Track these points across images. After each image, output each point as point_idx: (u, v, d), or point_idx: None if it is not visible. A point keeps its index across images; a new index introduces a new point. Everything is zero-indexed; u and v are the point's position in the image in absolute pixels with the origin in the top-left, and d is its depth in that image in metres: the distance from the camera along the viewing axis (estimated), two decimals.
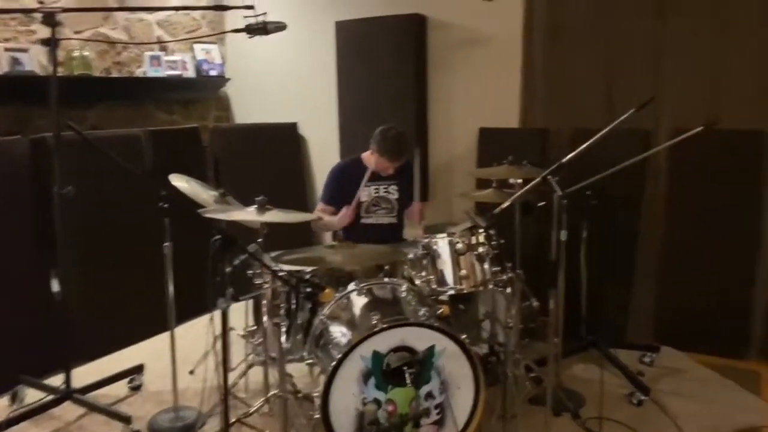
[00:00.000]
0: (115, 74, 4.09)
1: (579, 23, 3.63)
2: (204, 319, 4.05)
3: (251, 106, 4.95)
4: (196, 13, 4.68)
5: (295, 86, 4.70)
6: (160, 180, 2.63)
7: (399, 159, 3.28)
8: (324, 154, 4.64)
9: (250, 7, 2.56)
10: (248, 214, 2.46)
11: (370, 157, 3.36)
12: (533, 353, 3.09)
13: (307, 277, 2.57)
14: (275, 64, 4.68)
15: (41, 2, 2.98)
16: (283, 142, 4.66)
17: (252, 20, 2.59)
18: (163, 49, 4.45)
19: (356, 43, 4.20)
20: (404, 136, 3.29)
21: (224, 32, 2.61)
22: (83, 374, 3.06)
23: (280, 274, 2.41)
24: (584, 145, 2.18)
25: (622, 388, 2.98)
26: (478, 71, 3.99)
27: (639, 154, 3.37)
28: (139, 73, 4.20)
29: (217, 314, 2.10)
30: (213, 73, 4.68)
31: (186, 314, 3.47)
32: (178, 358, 2.77)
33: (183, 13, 4.57)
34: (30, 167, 3.26)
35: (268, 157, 4.57)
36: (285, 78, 4.70)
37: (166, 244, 2.57)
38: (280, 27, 2.65)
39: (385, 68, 4.11)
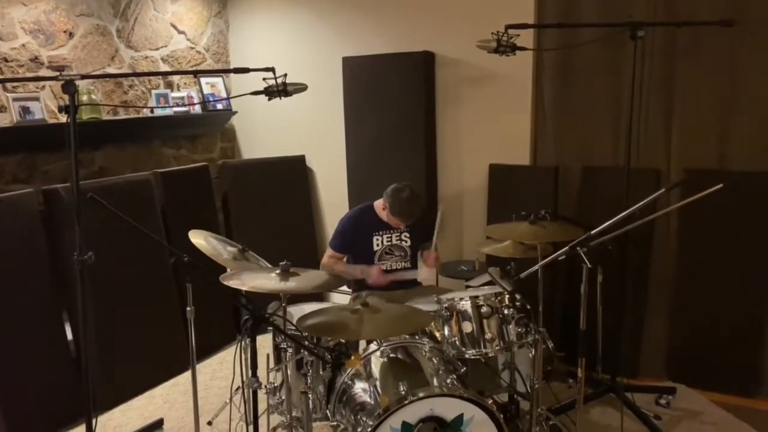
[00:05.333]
0: (122, 114, 4.06)
1: (589, 62, 3.64)
2: (211, 361, 4.07)
3: (256, 137, 4.94)
4: (200, 47, 4.66)
5: (302, 119, 4.68)
6: (179, 244, 2.61)
7: (410, 220, 3.27)
8: (332, 187, 4.65)
9: (270, 69, 2.53)
10: (271, 281, 2.46)
11: (381, 210, 3.36)
12: (549, 398, 3.11)
13: (333, 344, 2.56)
14: None
15: (60, 70, 2.95)
16: (291, 175, 4.65)
17: (272, 82, 2.56)
18: (169, 85, 4.42)
19: (363, 78, 4.18)
20: (417, 198, 3.26)
21: (242, 95, 2.58)
22: (99, 426, 3.04)
23: (306, 343, 2.40)
24: (616, 218, 2.19)
25: None
26: (488, 108, 3.99)
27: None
28: (146, 111, 4.17)
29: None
30: (219, 106, 4.66)
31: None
32: (190, 403, 2.76)
33: (187, 46, 4.55)
34: (42, 220, 3.24)
35: (276, 190, 4.57)
36: (291, 110, 4.65)
37: (189, 308, 2.56)
38: (300, 88, 2.61)
39: (393, 103, 4.09)
